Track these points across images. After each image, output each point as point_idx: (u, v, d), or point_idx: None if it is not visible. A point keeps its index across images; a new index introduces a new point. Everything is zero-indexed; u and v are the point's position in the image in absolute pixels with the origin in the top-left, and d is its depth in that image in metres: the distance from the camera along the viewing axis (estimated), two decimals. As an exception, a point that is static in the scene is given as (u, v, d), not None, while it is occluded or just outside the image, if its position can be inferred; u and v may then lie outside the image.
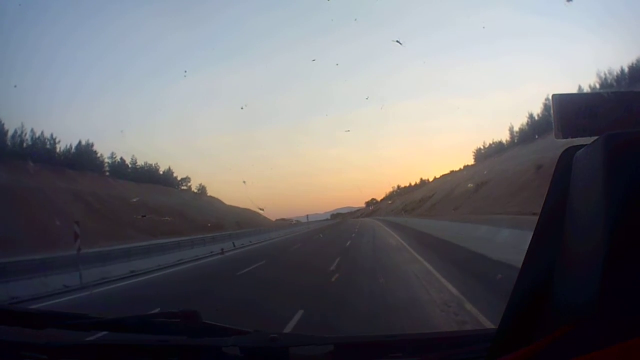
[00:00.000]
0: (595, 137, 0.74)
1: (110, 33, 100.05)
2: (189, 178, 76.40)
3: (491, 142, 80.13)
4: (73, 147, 55.00)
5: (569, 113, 0.92)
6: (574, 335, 0.67)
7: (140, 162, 66.87)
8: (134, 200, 48.64)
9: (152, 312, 1.32)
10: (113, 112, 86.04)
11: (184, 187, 76.09)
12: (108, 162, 61.68)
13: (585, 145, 0.77)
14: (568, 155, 0.81)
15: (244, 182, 59.60)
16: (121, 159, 63.15)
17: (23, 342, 1.28)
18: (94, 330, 1.31)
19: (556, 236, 0.78)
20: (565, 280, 0.75)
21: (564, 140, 0.90)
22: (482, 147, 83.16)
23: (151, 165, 69.57)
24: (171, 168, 72.75)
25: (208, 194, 78.68)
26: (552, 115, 0.95)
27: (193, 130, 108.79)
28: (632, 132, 0.72)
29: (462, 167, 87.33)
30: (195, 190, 77.48)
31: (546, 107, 59.14)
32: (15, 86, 57.25)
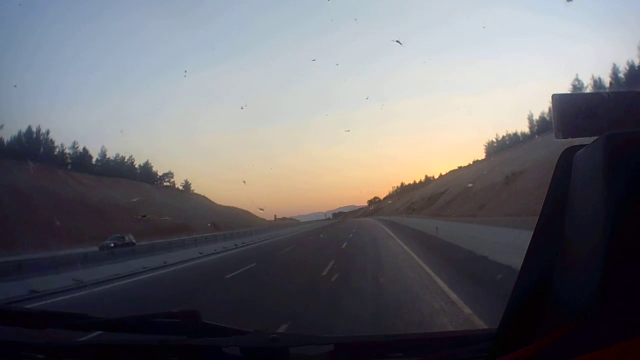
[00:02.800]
0: (595, 137, 0.74)
1: (109, 34, 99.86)
2: (172, 173, 69.00)
3: (504, 135, 74.36)
4: (22, 135, 47.71)
5: (569, 113, 0.92)
6: (574, 335, 0.67)
7: (110, 155, 58.94)
8: (102, 197, 40.03)
9: (152, 312, 1.32)
10: (113, 111, 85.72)
11: (167, 183, 68.32)
12: (69, 154, 53.85)
13: (585, 145, 0.77)
14: (568, 155, 0.81)
15: (244, 182, 56.86)
16: (84, 149, 55.26)
17: (23, 342, 1.27)
18: (94, 330, 1.31)
19: (556, 236, 0.78)
20: (565, 280, 0.75)
21: (564, 140, 0.90)
22: (494, 140, 77.22)
23: (123, 158, 61.17)
24: (149, 162, 64.62)
25: (194, 192, 70.92)
26: (552, 115, 0.95)
27: (191, 129, 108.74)
28: (632, 132, 0.72)
29: (471, 163, 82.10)
30: (180, 187, 70.07)
31: (575, 88, 53.01)
32: (15, 86, 55.73)
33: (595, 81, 49.86)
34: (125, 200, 45.15)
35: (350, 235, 26.56)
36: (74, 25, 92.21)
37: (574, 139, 0.89)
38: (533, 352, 0.72)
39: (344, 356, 1.22)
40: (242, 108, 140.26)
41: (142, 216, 41.21)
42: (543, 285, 0.78)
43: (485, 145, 79.67)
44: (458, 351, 1.12)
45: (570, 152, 0.81)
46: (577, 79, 52.36)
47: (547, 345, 0.70)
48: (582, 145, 0.79)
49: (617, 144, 0.69)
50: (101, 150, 58.52)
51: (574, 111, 0.92)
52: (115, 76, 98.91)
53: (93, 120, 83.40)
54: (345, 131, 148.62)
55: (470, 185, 56.38)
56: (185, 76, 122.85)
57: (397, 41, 43.37)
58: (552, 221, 0.80)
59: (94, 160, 56.94)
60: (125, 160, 62.21)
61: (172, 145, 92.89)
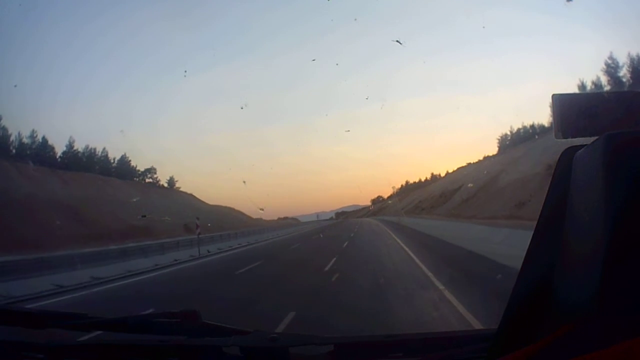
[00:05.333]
0: (595, 137, 0.74)
1: (108, 33, 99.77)
2: (155, 169, 61.26)
3: (519, 127, 67.48)
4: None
5: (569, 113, 0.92)
6: (574, 335, 0.67)
7: (79, 147, 52.05)
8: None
9: (152, 312, 1.32)
10: (115, 111, 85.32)
11: (149, 180, 61.43)
12: (27, 143, 47.04)
13: (585, 145, 0.77)
14: (568, 155, 0.81)
15: (244, 182, 54.40)
16: (43, 138, 47.68)
17: (23, 342, 1.27)
18: (94, 330, 1.31)
19: (556, 236, 0.78)
20: (565, 280, 0.75)
21: (564, 140, 0.90)
22: (508, 133, 69.79)
23: (94, 150, 54.30)
24: (127, 155, 57.11)
25: (180, 189, 63.72)
26: (552, 115, 0.95)
27: (190, 129, 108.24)
28: (632, 132, 0.72)
29: (481, 158, 75.20)
30: (164, 184, 63.21)
31: (609, 67, 47.41)
32: (15, 86, 54.52)
33: (632, 59, 46.07)
34: (75, 196, 36.72)
35: (331, 265, 12.23)
36: (71, 25, 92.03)
37: (574, 139, 0.90)
38: (533, 352, 0.72)
39: (344, 356, 1.22)
40: (242, 108, 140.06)
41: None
42: (543, 285, 0.78)
43: (499, 139, 73.36)
44: (458, 351, 1.12)
45: (570, 152, 0.81)
46: (611, 57, 47.54)
47: (547, 345, 0.70)
48: (582, 145, 0.79)
49: (617, 144, 0.69)
50: (68, 142, 51.50)
51: (574, 111, 0.92)
52: (112, 75, 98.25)
53: (92, 119, 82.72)
54: (345, 131, 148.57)
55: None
56: (185, 76, 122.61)
57: (397, 41, 43.33)
58: (552, 221, 0.80)
59: (60, 152, 50.59)
60: (99, 153, 55.58)
61: (168, 144, 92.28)
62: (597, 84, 48.93)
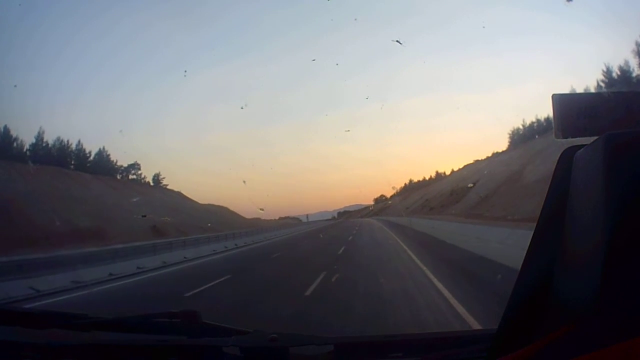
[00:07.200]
0: (595, 137, 0.74)
1: (109, 33, 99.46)
2: (139, 165, 55.41)
3: (533, 121, 62.40)
4: None
5: (569, 113, 0.92)
6: (574, 335, 0.67)
7: (49, 139, 46.00)
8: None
9: (152, 312, 1.32)
10: (115, 110, 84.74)
11: (133, 176, 55.90)
12: None
13: (585, 145, 0.77)
14: (568, 155, 0.81)
15: (244, 181, 53.60)
16: (5, 128, 41.20)
17: (23, 342, 1.27)
18: (94, 330, 1.31)
19: (556, 236, 0.78)
20: (565, 280, 0.75)
21: (564, 140, 0.90)
22: (520, 127, 65.09)
23: (67, 142, 48.09)
24: (105, 149, 51.62)
25: (168, 187, 57.98)
26: (552, 115, 0.95)
27: (189, 128, 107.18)
28: (632, 132, 0.72)
29: (490, 155, 71.71)
30: (150, 182, 57.75)
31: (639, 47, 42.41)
32: (15, 86, 53.21)
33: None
34: (18, 192, 28.89)
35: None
36: (71, 25, 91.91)
37: (574, 139, 0.90)
38: (533, 352, 0.72)
39: (344, 356, 1.22)
40: (242, 108, 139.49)
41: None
42: (543, 285, 0.78)
43: (510, 134, 69.03)
44: (458, 351, 1.12)
45: (570, 152, 0.81)
46: (637, 42, 43.22)
47: (547, 345, 0.70)
48: (582, 145, 0.79)
49: (617, 144, 0.69)
50: (38, 133, 45.57)
51: (574, 111, 0.92)
52: (112, 75, 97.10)
53: (91, 119, 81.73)
54: (345, 131, 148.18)
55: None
56: (185, 76, 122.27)
57: (397, 41, 43.12)
58: (552, 221, 0.80)
59: (27, 145, 44.33)
60: (72, 146, 49.40)
61: (167, 144, 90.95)
62: (623, 69, 44.64)
